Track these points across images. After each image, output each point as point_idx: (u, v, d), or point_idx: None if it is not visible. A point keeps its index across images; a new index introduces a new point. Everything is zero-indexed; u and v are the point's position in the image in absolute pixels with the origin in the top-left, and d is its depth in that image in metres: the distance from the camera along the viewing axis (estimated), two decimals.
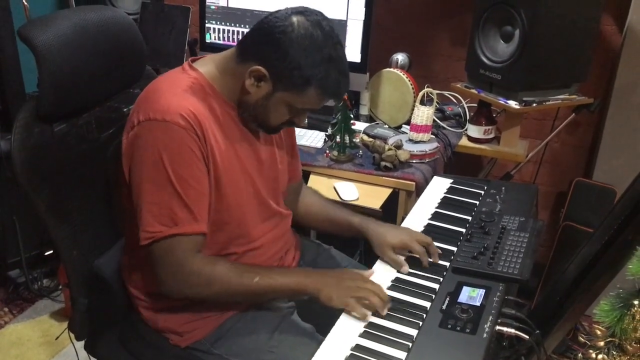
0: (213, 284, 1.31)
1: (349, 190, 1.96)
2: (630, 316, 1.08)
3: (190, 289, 1.32)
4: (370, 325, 1.27)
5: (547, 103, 2.20)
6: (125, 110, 1.56)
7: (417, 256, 1.47)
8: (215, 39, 2.54)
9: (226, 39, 2.52)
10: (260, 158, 1.45)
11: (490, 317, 1.25)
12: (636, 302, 1.09)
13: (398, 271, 1.46)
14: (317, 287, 1.33)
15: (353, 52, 2.32)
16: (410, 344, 1.20)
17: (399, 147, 2.05)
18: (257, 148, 1.44)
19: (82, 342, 1.55)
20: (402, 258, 1.48)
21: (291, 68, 1.26)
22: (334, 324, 1.29)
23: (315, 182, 2.04)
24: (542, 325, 1.30)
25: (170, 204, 1.25)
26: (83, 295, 1.46)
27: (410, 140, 2.15)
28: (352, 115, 2.07)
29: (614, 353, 1.15)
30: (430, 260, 1.47)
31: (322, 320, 1.50)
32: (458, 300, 1.32)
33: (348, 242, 1.94)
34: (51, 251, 2.70)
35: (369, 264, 1.54)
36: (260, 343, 1.38)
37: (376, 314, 1.29)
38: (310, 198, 1.70)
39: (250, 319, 1.42)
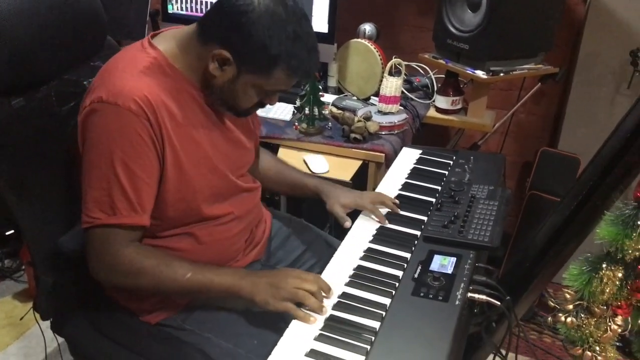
0: (142, 276, 1.26)
1: (319, 163, 1.94)
2: (598, 279, 1.11)
3: (118, 278, 1.28)
4: (344, 295, 1.27)
5: (514, 73, 2.21)
6: (85, 83, 1.49)
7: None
8: (178, 9, 2.47)
9: (190, 9, 2.45)
10: (226, 138, 1.41)
11: (462, 285, 1.26)
12: (604, 265, 1.11)
13: (343, 226, 1.51)
14: (252, 291, 1.26)
15: (320, 22, 2.28)
16: (383, 313, 1.20)
17: (368, 118, 2.03)
18: (223, 128, 1.40)
19: (49, 323, 1.51)
20: (345, 215, 1.53)
21: (255, 49, 1.21)
22: None
23: (285, 155, 2.01)
24: (512, 292, 1.31)
25: (112, 192, 1.21)
26: (48, 274, 1.42)
27: (379, 112, 2.14)
28: (320, 87, 2.05)
29: (582, 316, 1.17)
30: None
31: None
32: (430, 269, 1.32)
33: (318, 215, 1.93)
34: (12, 231, 2.63)
35: (340, 237, 1.54)
36: (233, 317, 1.37)
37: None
38: (267, 162, 1.69)
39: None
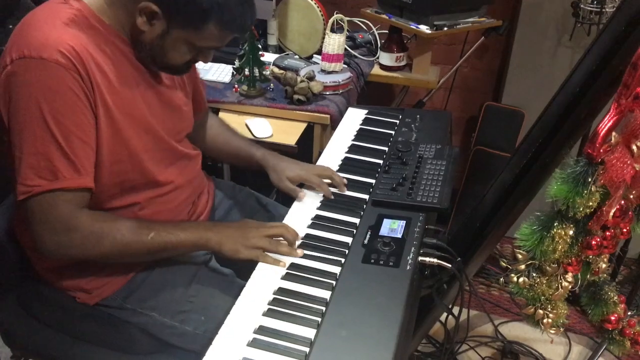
0: (102, 242, 1.18)
1: (262, 127, 1.87)
2: (550, 238, 1.09)
3: (74, 248, 1.18)
4: (292, 266, 1.22)
5: (457, 27, 2.17)
6: (1, 49, 1.36)
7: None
8: None
9: None
10: (161, 98, 1.31)
11: (412, 249, 1.23)
12: (556, 224, 1.10)
13: (296, 199, 1.44)
14: (220, 241, 1.23)
15: None
16: (334, 282, 1.16)
17: (311, 78, 1.96)
18: (157, 89, 1.30)
19: None
20: (296, 187, 1.46)
21: (185, 2, 1.12)
22: (253, 268, 1.23)
23: (225, 119, 1.91)
24: (462, 252, 1.30)
25: (50, 155, 1.11)
26: None
27: (323, 71, 2.07)
28: (260, 46, 1.95)
29: (534, 275, 1.17)
30: (336, 190, 1.46)
31: (241, 264, 1.44)
32: (379, 234, 1.29)
33: (264, 182, 1.87)
34: None
35: (286, 204, 1.48)
36: (177, 294, 1.30)
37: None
38: (216, 130, 1.61)
39: (164, 269, 1.33)
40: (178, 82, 1.38)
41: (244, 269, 1.29)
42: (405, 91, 2.56)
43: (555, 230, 1.09)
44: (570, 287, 1.17)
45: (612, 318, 1.29)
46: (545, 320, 1.20)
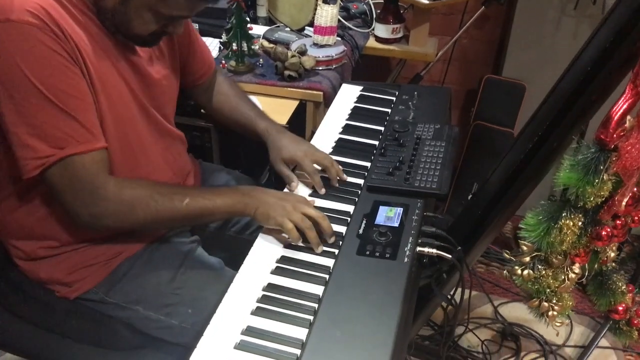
0: (135, 210, 1.11)
1: None
2: (557, 229, 1.02)
3: (109, 218, 1.11)
4: (283, 259, 1.15)
5: None
6: None
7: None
8: None
9: None
10: (137, 70, 1.21)
11: (410, 239, 1.16)
12: (564, 214, 1.02)
13: (287, 187, 1.34)
14: (256, 205, 1.17)
15: None
16: (327, 277, 1.10)
17: (303, 53, 1.86)
18: (132, 58, 1.20)
19: None
20: (290, 173, 1.35)
21: None
22: (243, 256, 1.16)
23: None
24: (463, 240, 1.23)
25: (55, 121, 1.02)
26: None
27: (315, 45, 1.97)
28: (248, 19, 1.84)
29: (539, 267, 1.10)
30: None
31: (230, 252, 1.37)
32: (375, 222, 1.21)
33: (257, 165, 1.79)
34: None
35: (280, 188, 1.40)
36: (163, 286, 1.23)
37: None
38: (224, 95, 1.51)
39: (148, 259, 1.26)
40: (156, 55, 1.28)
41: (231, 257, 1.23)
42: (402, 64, 2.46)
43: (563, 221, 1.02)
44: (577, 278, 1.10)
45: (620, 308, 1.23)
46: (550, 313, 1.14)
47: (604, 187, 0.99)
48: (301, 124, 1.86)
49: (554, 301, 1.12)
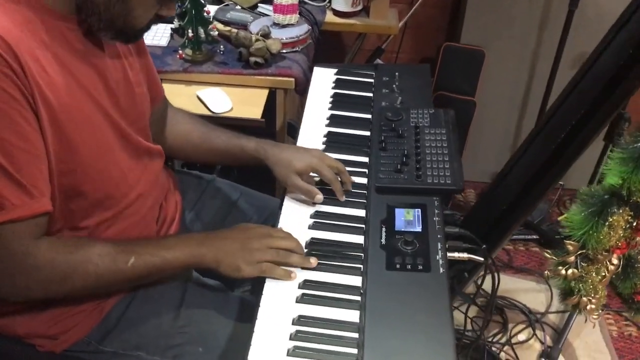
0: (71, 278, 0.96)
1: (218, 99, 1.60)
2: (607, 226, 0.96)
3: (37, 289, 0.96)
4: (306, 284, 1.02)
5: None
6: None
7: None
8: None
9: None
10: (110, 80, 1.04)
11: (439, 245, 1.07)
12: (614, 210, 0.96)
13: (312, 202, 1.19)
14: (217, 257, 1.03)
15: None
16: (359, 299, 0.99)
17: (266, 35, 1.69)
18: (103, 68, 1.02)
19: None
20: (313, 186, 1.20)
21: None
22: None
23: (172, 92, 1.62)
24: (487, 238, 1.16)
25: None
26: None
27: (276, 25, 1.80)
28: (203, 1, 1.65)
29: (583, 264, 1.04)
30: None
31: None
32: (396, 229, 1.11)
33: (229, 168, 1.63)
34: None
35: (263, 189, 1.27)
36: (166, 326, 1.09)
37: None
38: (186, 125, 1.32)
39: (144, 297, 1.11)
40: (123, 53, 1.10)
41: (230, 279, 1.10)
42: (362, 39, 2.33)
43: (614, 217, 0.95)
44: (615, 269, 1.06)
45: None
46: (589, 307, 1.09)
47: None
48: (271, 114, 1.71)
49: (592, 295, 1.07)
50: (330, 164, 1.21)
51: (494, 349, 1.92)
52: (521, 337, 1.98)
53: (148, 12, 0.97)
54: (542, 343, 1.95)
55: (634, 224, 1.00)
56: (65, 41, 0.95)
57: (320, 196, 1.18)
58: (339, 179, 1.21)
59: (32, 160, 0.89)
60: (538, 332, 1.98)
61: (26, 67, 0.86)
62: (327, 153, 1.31)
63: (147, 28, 1.01)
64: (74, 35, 0.96)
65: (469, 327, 1.92)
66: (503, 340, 1.96)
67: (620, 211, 0.97)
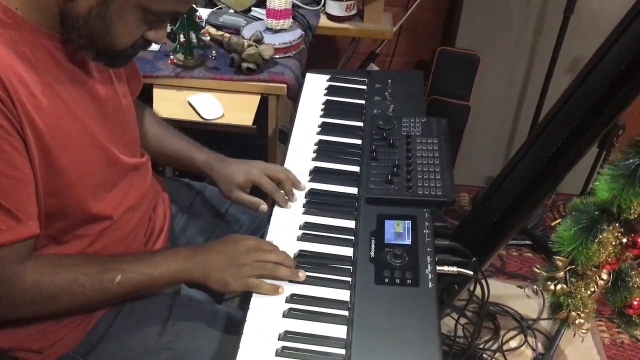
0: (57, 299, 0.95)
1: (210, 105, 1.59)
2: (597, 242, 0.95)
3: (26, 310, 0.96)
4: (293, 298, 1.01)
5: None
6: None
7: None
8: None
9: None
10: (98, 97, 1.03)
11: (428, 258, 1.07)
12: (604, 227, 0.95)
13: (256, 210, 1.21)
14: (205, 273, 1.03)
15: None
16: (347, 314, 0.98)
17: (259, 41, 1.68)
18: (91, 84, 1.01)
19: None
20: (253, 198, 1.22)
21: None
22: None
23: (163, 97, 1.63)
24: (477, 250, 1.15)
25: None
26: None
27: (269, 30, 1.79)
28: (195, 6, 1.63)
29: (572, 280, 1.03)
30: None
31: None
32: (385, 241, 1.10)
33: None
34: None
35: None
36: (151, 341, 1.08)
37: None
38: (148, 128, 1.29)
39: (130, 312, 1.10)
40: (115, 76, 1.09)
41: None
42: (356, 43, 2.31)
43: (604, 234, 0.95)
44: (604, 284, 1.05)
45: (635, 303, 1.20)
46: (577, 322, 1.09)
47: None
48: (263, 121, 1.69)
49: (581, 309, 1.07)
50: (272, 174, 1.22)
51: (485, 355, 1.91)
52: (513, 343, 1.97)
53: (132, 33, 0.92)
54: (533, 350, 1.94)
55: (624, 240, 1.00)
56: (53, 60, 0.93)
57: (264, 206, 1.20)
58: (289, 186, 1.22)
59: (19, 186, 0.88)
60: (530, 339, 1.97)
61: (13, 94, 0.85)
62: (317, 162, 1.32)
63: (133, 51, 0.97)
64: (61, 53, 0.94)
65: (460, 333, 1.92)
66: (494, 347, 1.96)
67: (610, 228, 0.97)
